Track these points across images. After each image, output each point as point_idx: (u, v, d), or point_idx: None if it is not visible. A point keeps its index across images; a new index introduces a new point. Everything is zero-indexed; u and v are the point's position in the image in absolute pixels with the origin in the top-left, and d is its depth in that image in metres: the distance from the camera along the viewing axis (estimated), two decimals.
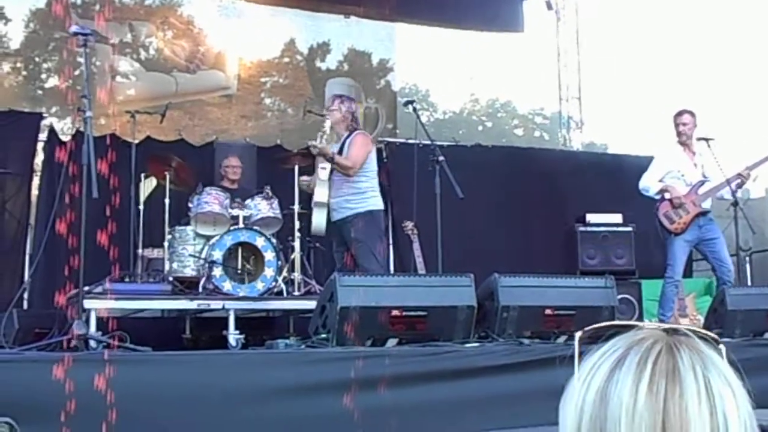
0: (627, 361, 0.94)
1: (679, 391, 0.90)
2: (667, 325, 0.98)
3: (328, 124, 6.57)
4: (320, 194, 6.20)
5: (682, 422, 0.89)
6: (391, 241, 8.96)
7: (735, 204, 7.08)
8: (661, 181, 7.10)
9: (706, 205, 7.07)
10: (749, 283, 9.61)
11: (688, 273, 8.75)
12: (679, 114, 7.22)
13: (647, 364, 0.92)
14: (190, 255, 6.66)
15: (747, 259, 9.99)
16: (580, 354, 0.99)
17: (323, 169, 6.33)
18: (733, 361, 0.97)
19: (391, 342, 4.79)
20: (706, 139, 7.10)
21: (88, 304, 5.28)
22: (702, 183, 7.05)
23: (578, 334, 1.04)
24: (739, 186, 7.09)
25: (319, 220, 6.29)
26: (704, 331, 0.99)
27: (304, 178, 6.73)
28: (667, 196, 7.01)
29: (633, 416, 0.90)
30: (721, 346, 0.99)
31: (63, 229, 5.97)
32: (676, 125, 7.19)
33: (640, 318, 8.53)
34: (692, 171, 7.12)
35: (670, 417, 0.89)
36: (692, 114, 7.19)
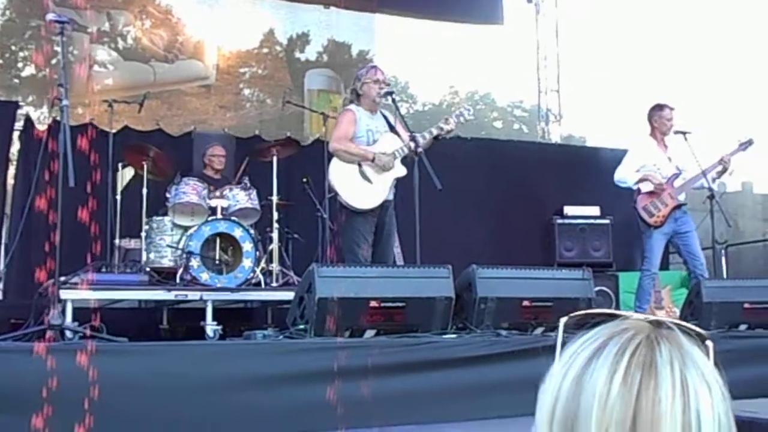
0: (606, 351, 0.93)
1: (653, 385, 0.89)
2: (653, 317, 0.97)
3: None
4: (402, 171, 6.05)
5: (654, 416, 0.88)
6: None
7: (711, 197, 7.13)
8: (637, 172, 7.13)
9: (682, 197, 7.11)
10: (725, 276, 9.70)
11: (664, 265, 8.81)
12: (661, 108, 7.22)
13: (624, 356, 0.91)
14: (168, 245, 6.64)
15: (722, 252, 10.07)
16: (565, 341, 0.98)
17: (403, 151, 6.00)
18: (717, 359, 0.96)
19: (369, 333, 4.79)
20: (684, 133, 7.13)
21: (64, 294, 5.25)
22: (677, 176, 7.09)
23: (563, 320, 1.03)
24: (721, 174, 7.13)
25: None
26: (691, 326, 0.97)
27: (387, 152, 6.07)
28: (647, 187, 7.03)
29: (605, 406, 0.89)
30: (709, 343, 0.98)
31: (39, 219, 5.93)
32: (658, 119, 7.19)
33: (617, 310, 8.58)
34: (666, 164, 7.15)
35: (642, 410, 0.88)
36: (672, 108, 7.22)
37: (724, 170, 7.11)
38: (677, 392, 0.89)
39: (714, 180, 7.10)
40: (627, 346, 0.92)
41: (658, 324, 0.96)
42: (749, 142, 7.14)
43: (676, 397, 0.89)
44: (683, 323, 0.98)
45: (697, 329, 0.98)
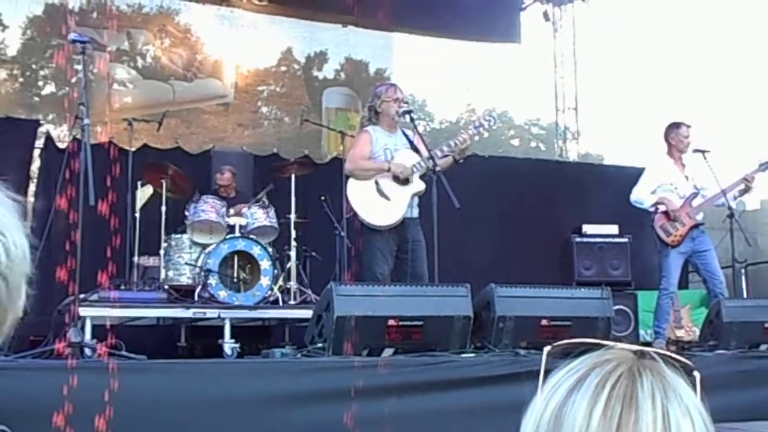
0: (586, 382, 0.91)
1: (633, 418, 0.87)
2: (636, 347, 0.95)
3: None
4: (421, 185, 6.03)
5: None
6: None
7: (731, 216, 7.08)
8: (653, 193, 7.09)
9: (700, 217, 7.07)
10: (745, 295, 9.62)
11: (683, 285, 8.76)
12: (678, 126, 7.18)
13: (605, 388, 0.90)
14: (186, 263, 6.66)
15: (742, 271, 9.99)
16: (550, 369, 0.97)
17: (422, 166, 5.92)
18: (703, 391, 0.94)
19: (388, 351, 4.78)
20: (702, 151, 7.09)
21: (83, 311, 5.27)
22: (695, 195, 7.04)
23: (547, 349, 1.02)
24: (743, 192, 7.08)
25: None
26: (677, 357, 0.96)
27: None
28: (662, 208, 7.00)
29: None
30: (696, 373, 0.96)
31: (59, 236, 5.96)
32: (675, 138, 7.15)
33: (636, 329, 8.53)
34: (684, 183, 7.10)
35: None
36: (689, 126, 7.19)
37: (747, 189, 7.04)
38: (659, 425, 0.87)
39: (735, 198, 7.05)
40: (608, 377, 0.91)
41: (642, 354, 0.95)
42: None
43: (657, 430, 0.87)
44: (669, 354, 0.96)
45: (684, 360, 0.97)
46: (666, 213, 6.99)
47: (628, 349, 0.95)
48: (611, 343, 0.97)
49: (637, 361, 0.93)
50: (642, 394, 0.89)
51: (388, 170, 5.90)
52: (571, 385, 0.92)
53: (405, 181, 5.93)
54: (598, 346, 0.97)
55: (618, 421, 0.87)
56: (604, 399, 0.89)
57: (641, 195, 7.12)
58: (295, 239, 7.07)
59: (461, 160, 6.02)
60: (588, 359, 0.95)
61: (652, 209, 7.08)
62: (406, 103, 6.19)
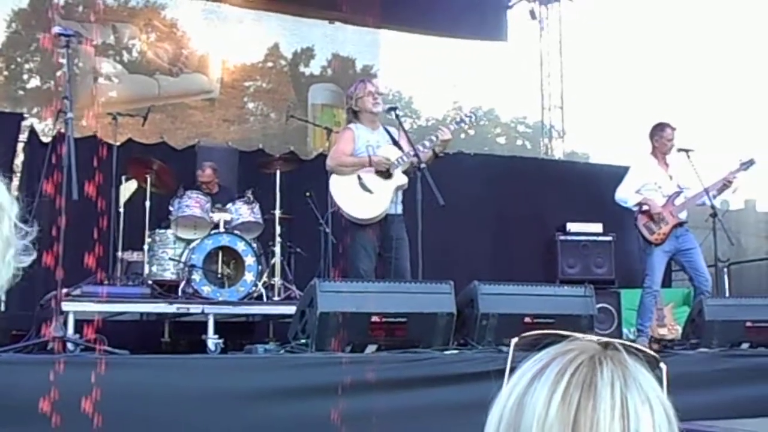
0: (547, 371, 0.93)
1: (591, 405, 0.89)
2: (601, 338, 0.97)
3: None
4: (404, 179, 6.00)
5: None
6: None
7: (714, 215, 7.12)
8: (638, 192, 7.13)
9: (683, 215, 7.11)
10: (727, 294, 9.67)
11: (666, 283, 8.79)
12: (662, 128, 7.22)
13: (564, 376, 0.91)
14: (170, 258, 6.65)
15: (725, 270, 10.05)
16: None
17: (404, 161, 5.92)
18: (669, 383, 0.95)
19: (371, 348, 4.78)
20: (686, 151, 7.13)
21: (66, 306, 5.24)
22: (678, 194, 7.09)
23: (514, 340, 1.04)
24: (721, 190, 7.11)
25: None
26: (643, 348, 0.97)
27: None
28: (645, 208, 7.04)
29: (543, 426, 0.89)
30: (662, 365, 0.97)
31: (42, 231, 5.92)
32: (659, 139, 7.19)
33: (619, 327, 8.56)
34: (668, 182, 7.15)
35: (580, 430, 0.88)
36: (673, 128, 7.23)
37: (725, 187, 7.09)
38: (616, 413, 0.89)
39: (715, 197, 7.10)
40: (568, 366, 0.92)
41: (605, 345, 0.96)
42: (750, 162, 7.13)
43: (615, 418, 0.88)
44: (635, 345, 0.97)
45: (650, 352, 0.98)
46: (649, 214, 7.03)
47: (593, 340, 0.97)
48: (577, 335, 0.99)
49: (600, 351, 0.95)
50: (601, 381, 0.91)
51: (370, 164, 5.90)
52: (533, 374, 0.95)
53: (388, 175, 5.92)
54: (563, 338, 0.99)
55: (576, 408, 0.89)
56: (563, 386, 0.91)
57: (625, 194, 7.16)
58: (279, 235, 7.07)
59: (441, 154, 6.03)
60: (551, 350, 0.97)
61: (635, 209, 7.12)
62: (380, 94, 6.18)
